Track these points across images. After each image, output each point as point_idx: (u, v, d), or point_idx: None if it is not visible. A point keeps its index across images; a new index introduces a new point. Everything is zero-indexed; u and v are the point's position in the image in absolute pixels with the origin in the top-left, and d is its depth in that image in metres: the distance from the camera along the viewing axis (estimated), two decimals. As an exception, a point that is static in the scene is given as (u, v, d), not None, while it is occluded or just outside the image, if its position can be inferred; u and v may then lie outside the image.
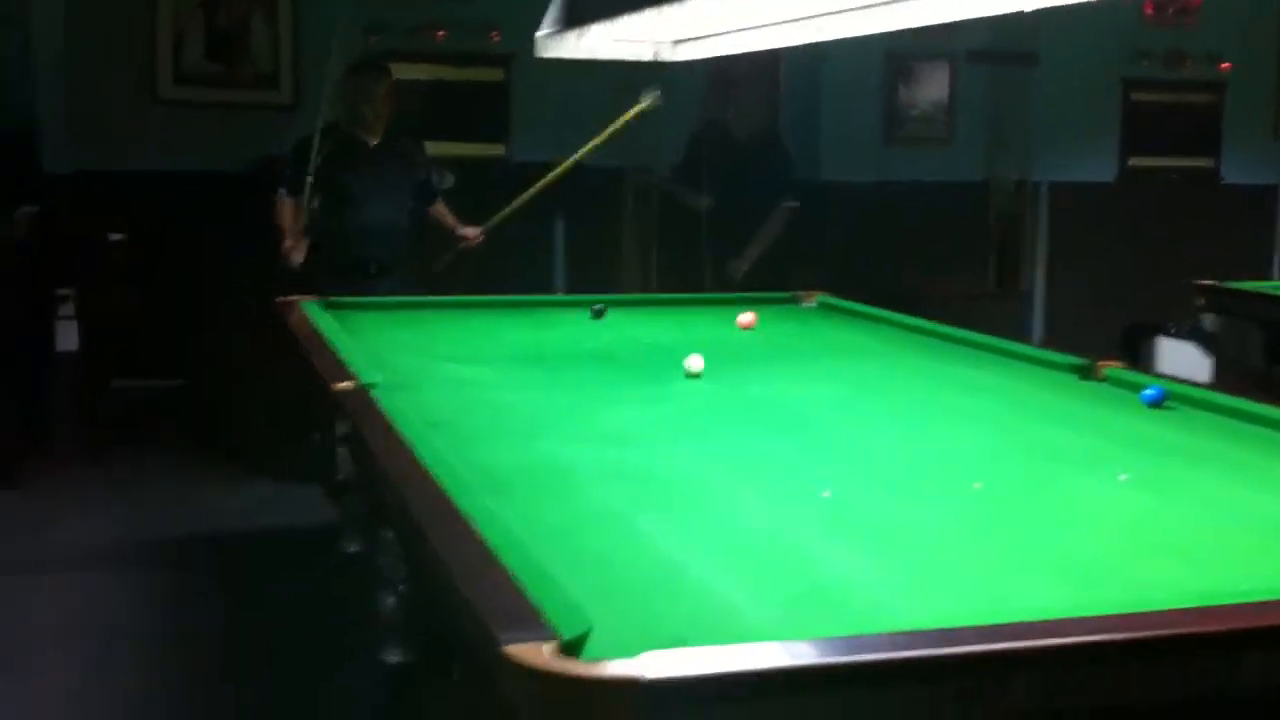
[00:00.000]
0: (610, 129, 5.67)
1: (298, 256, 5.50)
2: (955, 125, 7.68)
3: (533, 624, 1.59)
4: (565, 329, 4.37)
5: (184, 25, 6.53)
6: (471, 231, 5.82)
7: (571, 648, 1.54)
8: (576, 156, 5.75)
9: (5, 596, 4.45)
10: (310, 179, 5.41)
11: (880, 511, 2.31)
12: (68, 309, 6.15)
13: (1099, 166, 8.09)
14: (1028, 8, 2.85)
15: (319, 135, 5.46)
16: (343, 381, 3.19)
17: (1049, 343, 4.49)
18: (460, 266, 6.01)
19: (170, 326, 6.37)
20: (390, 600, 3.11)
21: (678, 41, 4.24)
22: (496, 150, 6.89)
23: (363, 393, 3.07)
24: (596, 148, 5.70)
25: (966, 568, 2.01)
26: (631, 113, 5.64)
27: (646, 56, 4.34)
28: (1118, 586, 1.90)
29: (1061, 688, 1.55)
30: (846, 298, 5.04)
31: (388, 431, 2.65)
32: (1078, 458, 2.71)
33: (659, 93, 5.53)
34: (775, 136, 6.83)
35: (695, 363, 3.68)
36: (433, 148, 6.54)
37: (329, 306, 4.52)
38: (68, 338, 6.16)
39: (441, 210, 5.89)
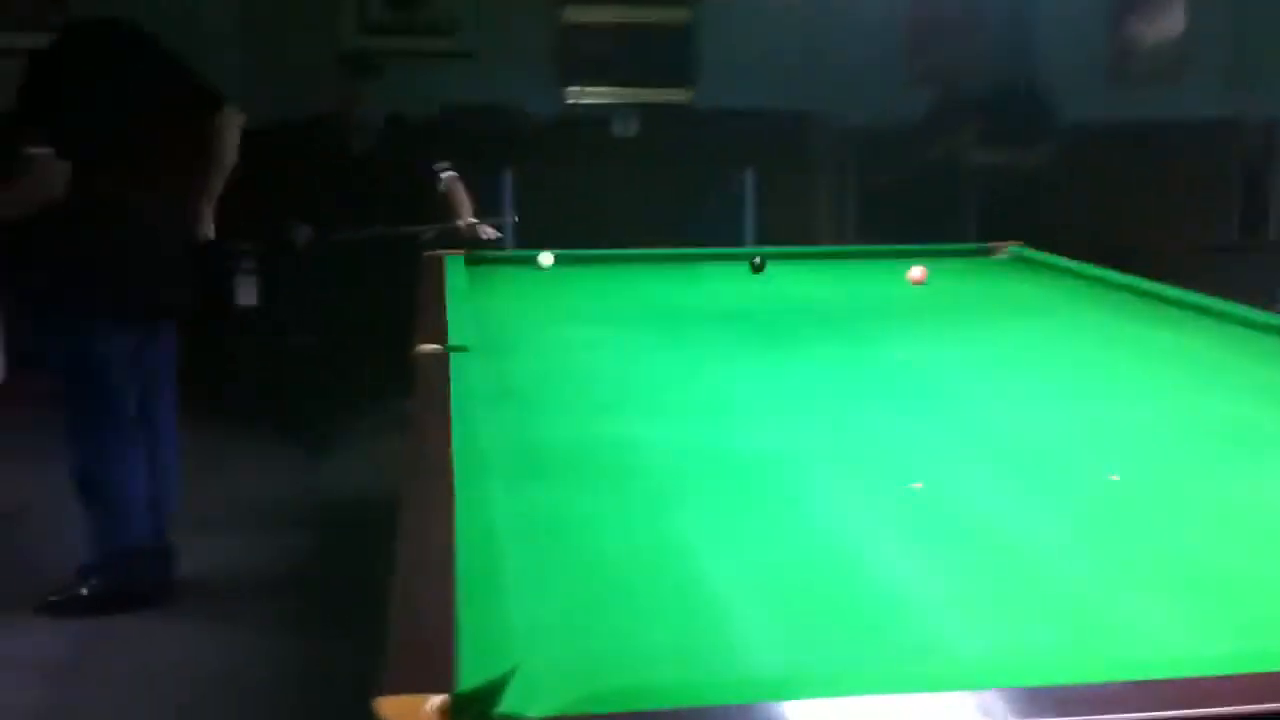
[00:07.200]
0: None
1: None
2: (1192, 58, 6.93)
3: (434, 666, 1.24)
4: (712, 284, 3.99)
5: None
6: None
7: (469, 701, 1.18)
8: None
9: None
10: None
11: (978, 510, 1.86)
12: (249, 264, 6.10)
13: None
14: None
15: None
16: (429, 344, 2.91)
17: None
18: (647, 219, 5.68)
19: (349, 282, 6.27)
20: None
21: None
22: (681, 96, 6.52)
23: (441, 357, 2.77)
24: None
25: (1060, 591, 1.56)
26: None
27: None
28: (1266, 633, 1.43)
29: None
30: (1057, 250, 4.49)
31: (430, 401, 2.34)
32: (1266, 444, 2.19)
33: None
34: (1029, 81, 6.26)
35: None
36: (615, 92, 6.30)
37: (471, 261, 4.27)
38: (248, 293, 6.11)
39: None
